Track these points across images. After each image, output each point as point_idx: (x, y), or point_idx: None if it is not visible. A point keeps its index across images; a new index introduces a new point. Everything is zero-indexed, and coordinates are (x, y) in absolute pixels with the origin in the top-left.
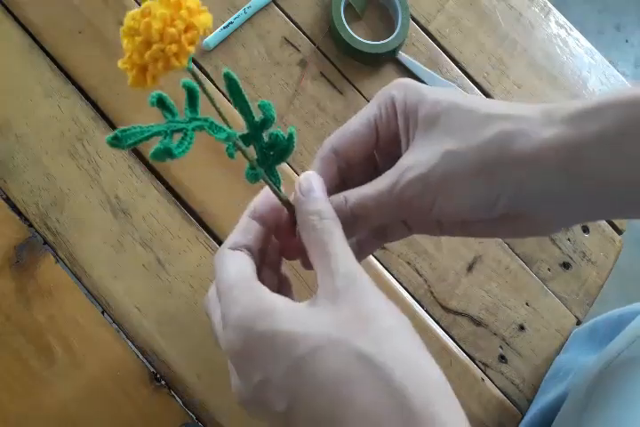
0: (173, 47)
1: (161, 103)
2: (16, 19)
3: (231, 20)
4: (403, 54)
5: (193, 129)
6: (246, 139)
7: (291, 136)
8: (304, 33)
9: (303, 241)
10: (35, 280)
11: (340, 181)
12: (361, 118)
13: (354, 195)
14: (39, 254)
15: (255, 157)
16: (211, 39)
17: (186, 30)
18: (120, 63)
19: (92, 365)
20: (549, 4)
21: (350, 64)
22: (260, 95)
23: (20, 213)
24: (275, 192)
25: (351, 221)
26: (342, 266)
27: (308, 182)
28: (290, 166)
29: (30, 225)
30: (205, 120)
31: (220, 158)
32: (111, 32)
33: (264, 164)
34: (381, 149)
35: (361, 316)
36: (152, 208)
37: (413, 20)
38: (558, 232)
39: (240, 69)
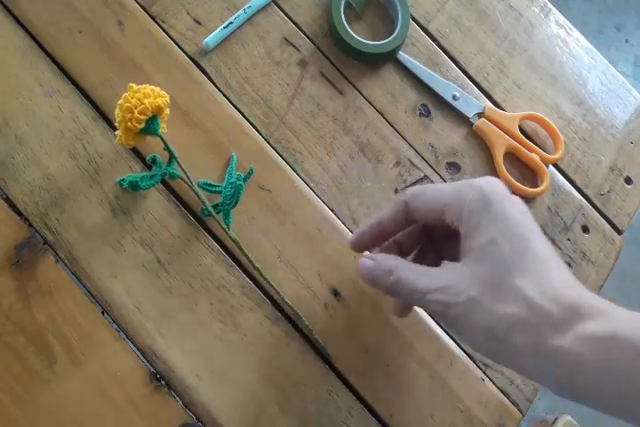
0: (132, 119)
1: (153, 160)
2: (16, 19)
3: (231, 20)
4: (403, 54)
5: (160, 175)
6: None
7: (239, 190)
8: (304, 33)
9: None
10: (35, 280)
11: (408, 225)
12: (437, 195)
13: (401, 275)
14: (39, 254)
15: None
16: (210, 39)
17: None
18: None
19: (91, 365)
20: (549, 4)
21: (350, 64)
22: (260, 95)
23: (19, 213)
24: (226, 232)
25: (383, 287)
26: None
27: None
28: (289, 166)
29: (30, 225)
30: (168, 171)
31: (219, 159)
32: (111, 32)
33: (223, 207)
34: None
35: None
36: (152, 208)
37: (413, 20)
38: None
39: (240, 69)
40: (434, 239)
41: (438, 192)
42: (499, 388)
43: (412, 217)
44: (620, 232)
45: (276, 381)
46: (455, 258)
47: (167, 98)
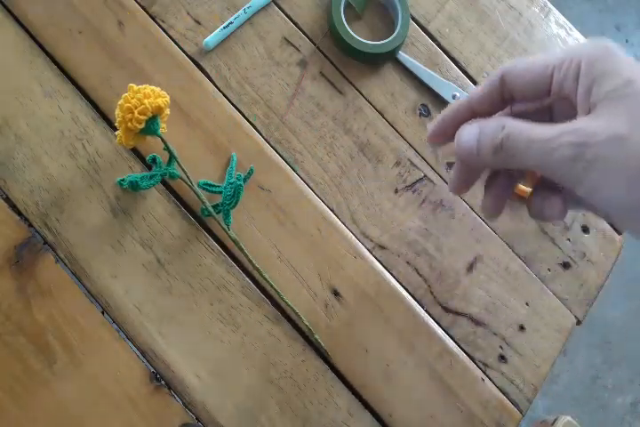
0: (131, 118)
1: (153, 160)
2: (16, 19)
3: (231, 20)
4: (403, 54)
5: (160, 175)
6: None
7: (239, 190)
8: (304, 33)
9: None
10: (35, 280)
11: (502, 107)
12: (542, 60)
13: (515, 127)
14: (39, 254)
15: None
16: (211, 39)
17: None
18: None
19: (91, 365)
20: (549, 4)
21: (350, 64)
22: (260, 95)
23: (19, 213)
24: (226, 232)
25: (491, 147)
26: None
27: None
28: (289, 166)
29: (30, 225)
30: (168, 171)
31: (219, 159)
32: (111, 32)
33: (223, 207)
34: (555, 100)
35: None
36: (152, 208)
37: (413, 19)
38: None
39: (240, 69)
40: None
41: (541, 59)
42: (499, 388)
43: (508, 93)
44: (619, 232)
45: (275, 381)
46: None
47: (167, 98)
